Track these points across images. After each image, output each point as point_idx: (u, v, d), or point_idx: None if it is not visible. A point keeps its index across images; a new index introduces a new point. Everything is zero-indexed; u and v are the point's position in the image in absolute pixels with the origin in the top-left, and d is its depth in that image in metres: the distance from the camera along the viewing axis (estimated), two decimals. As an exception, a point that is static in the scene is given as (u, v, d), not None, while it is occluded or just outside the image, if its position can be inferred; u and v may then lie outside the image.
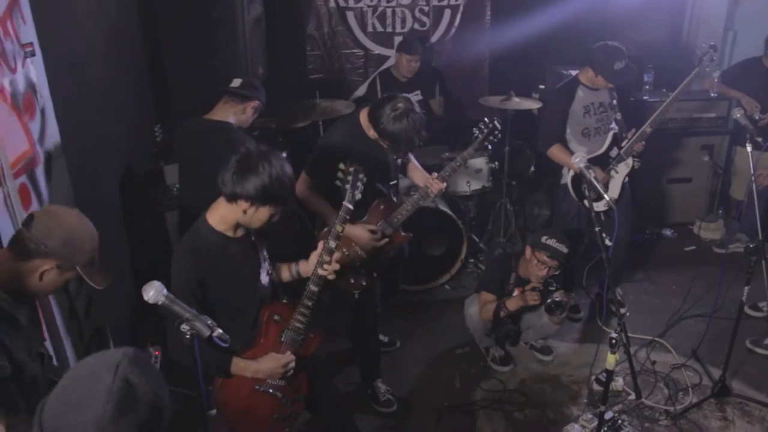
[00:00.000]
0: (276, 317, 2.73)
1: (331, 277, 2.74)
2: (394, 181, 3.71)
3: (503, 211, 5.52)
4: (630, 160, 4.42)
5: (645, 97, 5.74)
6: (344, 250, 3.42)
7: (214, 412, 3.62)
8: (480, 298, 4.13)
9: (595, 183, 3.00)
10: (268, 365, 2.68)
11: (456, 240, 5.06)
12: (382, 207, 3.54)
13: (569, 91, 4.44)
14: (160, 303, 2.00)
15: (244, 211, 2.47)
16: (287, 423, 2.88)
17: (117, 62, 4.15)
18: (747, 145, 3.74)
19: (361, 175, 2.78)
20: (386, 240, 3.51)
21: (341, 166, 2.83)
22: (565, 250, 3.84)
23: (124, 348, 1.47)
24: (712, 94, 5.69)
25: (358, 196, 2.78)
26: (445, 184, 3.60)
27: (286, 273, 2.93)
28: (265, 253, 2.80)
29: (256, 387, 2.72)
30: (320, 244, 2.77)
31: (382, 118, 3.27)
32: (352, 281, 3.52)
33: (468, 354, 4.39)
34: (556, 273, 3.93)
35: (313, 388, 2.94)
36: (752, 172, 3.78)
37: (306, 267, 2.86)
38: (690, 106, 5.75)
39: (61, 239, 2.09)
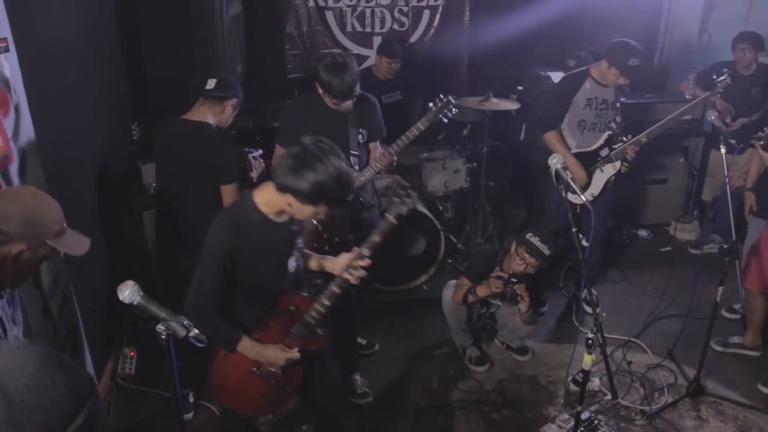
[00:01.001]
0: (292, 308, 2.75)
1: (354, 282, 2.73)
2: (356, 152, 3.74)
3: (481, 212, 5.54)
4: (618, 163, 4.48)
5: (622, 99, 5.76)
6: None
7: (190, 415, 3.61)
8: (458, 282, 4.18)
9: (572, 184, 3.02)
10: (271, 354, 2.71)
11: (434, 240, 5.07)
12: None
13: (577, 79, 4.51)
14: (135, 303, 1.98)
15: (290, 204, 2.49)
16: (273, 408, 2.93)
17: (93, 59, 4.10)
18: (720, 147, 3.79)
19: (413, 192, 2.73)
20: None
21: (402, 182, 2.81)
22: (546, 251, 3.87)
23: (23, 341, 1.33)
24: (687, 96, 5.75)
25: (404, 211, 2.67)
26: (394, 156, 3.75)
27: (314, 262, 2.96)
28: (300, 242, 2.81)
29: (253, 369, 2.76)
30: (354, 250, 2.77)
31: (319, 68, 3.49)
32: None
33: (446, 354, 4.40)
34: (532, 272, 3.95)
35: (314, 383, 2.97)
36: (726, 174, 3.83)
37: (332, 265, 2.88)
38: (666, 108, 5.78)
39: (21, 220, 2.05)
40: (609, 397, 3.85)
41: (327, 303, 2.73)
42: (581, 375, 3.08)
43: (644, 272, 5.44)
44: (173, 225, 3.59)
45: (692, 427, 3.76)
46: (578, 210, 4.30)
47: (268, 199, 2.57)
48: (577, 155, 4.49)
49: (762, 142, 3.92)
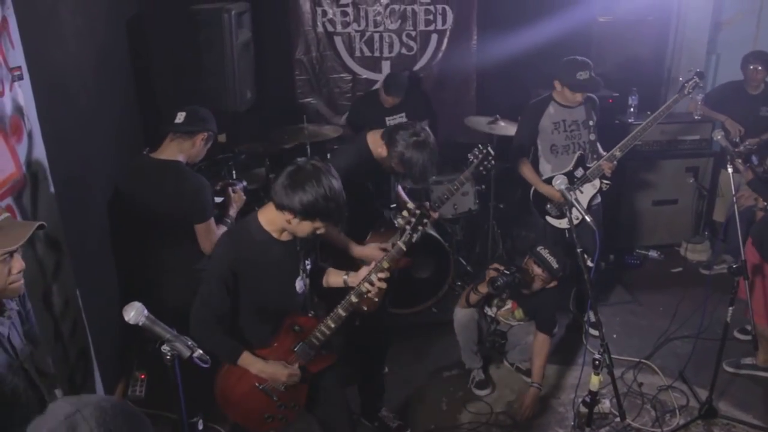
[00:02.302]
0: (296, 328, 2.78)
1: (366, 290, 2.75)
2: (394, 205, 3.74)
3: (491, 234, 5.55)
4: (597, 182, 4.45)
5: (630, 120, 5.80)
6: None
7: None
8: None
9: (576, 205, 3.03)
10: (273, 370, 2.74)
11: (443, 263, 5.07)
12: (382, 230, 3.59)
13: (539, 106, 4.51)
14: (140, 324, 2.01)
15: (288, 222, 2.55)
16: (276, 425, 2.95)
17: (105, 86, 4.17)
18: (728, 167, 3.78)
19: (425, 220, 2.75)
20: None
21: (409, 205, 2.81)
22: (554, 264, 3.89)
23: (110, 398, 1.45)
24: (696, 117, 5.76)
25: (416, 238, 2.74)
26: (437, 213, 3.64)
27: (337, 279, 2.97)
28: (307, 263, 2.82)
29: (257, 384, 2.79)
30: (373, 263, 2.82)
31: (401, 141, 3.28)
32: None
33: (455, 377, 4.39)
34: (540, 285, 3.98)
35: (320, 402, 3.02)
36: (733, 193, 3.82)
37: (354, 278, 2.89)
38: (674, 128, 5.82)
39: None
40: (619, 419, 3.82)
41: (332, 325, 2.76)
42: (590, 397, 3.08)
43: (655, 293, 5.40)
44: (147, 271, 3.53)
45: (704, 449, 3.73)
46: (566, 234, 4.31)
47: (269, 217, 2.64)
48: (551, 180, 4.44)
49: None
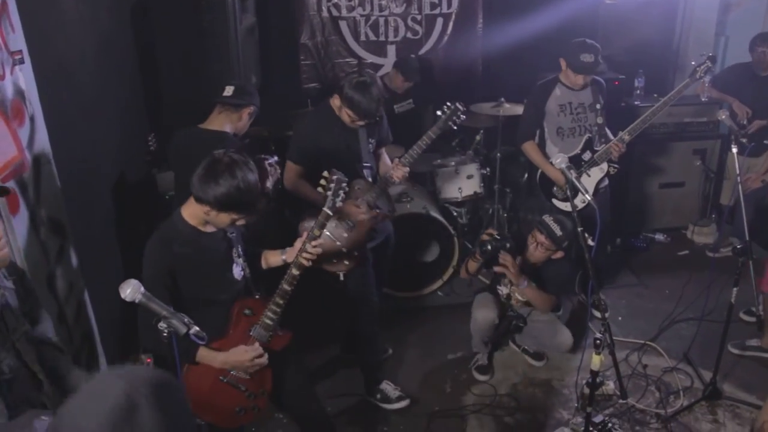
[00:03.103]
0: (246, 311, 2.80)
1: (305, 262, 2.82)
2: (368, 163, 3.80)
3: (496, 218, 5.54)
4: (605, 165, 4.43)
5: (636, 102, 5.77)
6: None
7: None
8: None
9: (577, 184, 3.02)
10: (236, 357, 2.74)
11: (448, 247, 5.08)
12: (357, 188, 3.66)
13: (546, 88, 4.50)
14: (137, 301, 2.03)
15: (206, 213, 2.58)
16: (249, 416, 2.94)
17: (108, 71, 4.19)
18: (732, 146, 3.76)
19: (343, 184, 2.89)
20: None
21: (324, 174, 2.94)
22: (558, 232, 3.86)
23: (155, 371, 1.33)
24: (703, 99, 5.72)
25: (339, 203, 2.89)
26: (407, 168, 3.72)
27: (275, 258, 3.02)
28: (240, 249, 2.85)
29: (220, 378, 2.79)
30: (304, 234, 2.89)
31: (345, 84, 3.49)
32: (335, 261, 3.58)
33: (459, 359, 4.40)
34: (543, 254, 3.98)
35: (286, 387, 3.00)
36: (738, 173, 3.80)
37: (291, 254, 2.94)
38: (681, 110, 5.77)
39: None
40: (622, 400, 3.83)
41: (281, 302, 2.80)
42: (591, 376, 3.08)
43: (661, 276, 5.39)
44: None
45: (708, 430, 3.72)
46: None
47: (191, 211, 2.66)
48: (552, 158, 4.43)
49: None
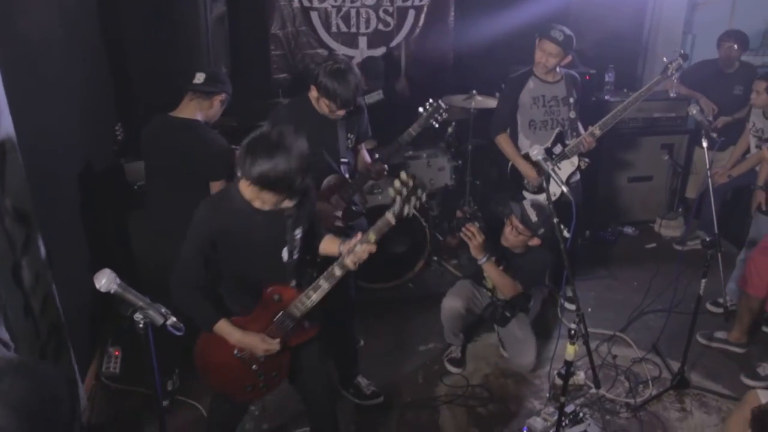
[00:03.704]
0: (276, 297, 2.74)
1: (352, 266, 2.68)
2: (345, 159, 3.69)
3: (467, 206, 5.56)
4: (575, 159, 4.46)
5: (606, 97, 5.83)
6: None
7: (167, 402, 3.60)
8: None
9: (553, 175, 3.03)
10: (249, 341, 2.72)
11: (419, 238, 5.07)
12: (332, 183, 3.60)
13: (520, 80, 4.50)
14: (112, 291, 1.98)
15: (250, 189, 2.48)
16: (256, 394, 2.95)
17: (75, 59, 4.09)
18: (703, 141, 3.81)
19: (419, 191, 2.59)
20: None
21: (402, 175, 2.62)
22: (533, 217, 3.75)
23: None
24: (672, 95, 5.80)
25: (406, 211, 2.59)
26: (385, 165, 3.68)
27: (332, 247, 2.88)
28: (296, 233, 2.73)
29: (235, 352, 2.78)
30: (358, 235, 2.72)
31: (320, 74, 3.33)
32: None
33: (431, 350, 4.40)
34: (518, 239, 3.87)
35: (303, 375, 3.00)
36: (708, 167, 3.85)
37: (346, 247, 2.75)
38: (651, 106, 5.84)
39: None
40: (594, 390, 3.86)
41: (313, 296, 2.71)
42: (565, 367, 3.10)
43: (630, 268, 5.46)
44: (161, 221, 3.57)
45: (676, 418, 3.78)
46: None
47: (243, 186, 2.57)
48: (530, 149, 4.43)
49: None
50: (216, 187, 3.38)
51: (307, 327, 2.86)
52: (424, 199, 2.64)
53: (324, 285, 2.70)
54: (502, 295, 4.06)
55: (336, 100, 3.34)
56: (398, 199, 2.55)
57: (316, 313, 2.81)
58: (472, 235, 3.73)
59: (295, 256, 2.79)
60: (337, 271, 2.68)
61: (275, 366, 2.88)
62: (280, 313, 2.75)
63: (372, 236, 2.64)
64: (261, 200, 2.53)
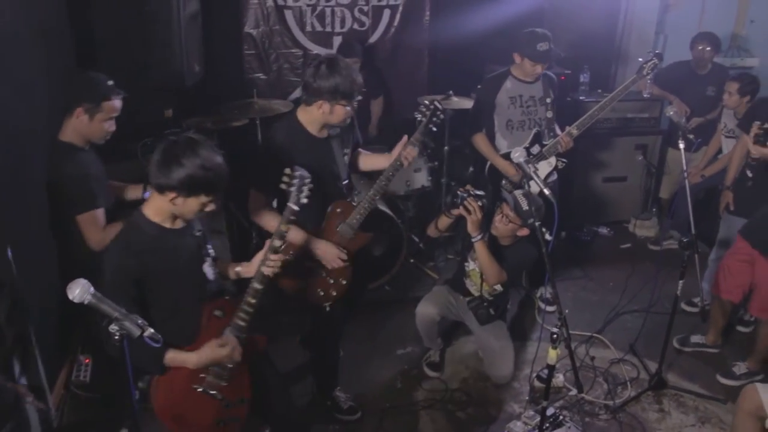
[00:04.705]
0: (217, 312, 2.66)
1: (268, 272, 2.69)
2: (346, 181, 3.55)
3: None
4: (553, 159, 4.46)
5: (581, 98, 5.86)
6: (309, 262, 3.37)
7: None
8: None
9: (535, 177, 3.01)
10: (209, 354, 2.60)
11: (396, 240, 5.02)
12: (339, 210, 3.42)
13: (497, 80, 4.50)
14: (86, 302, 1.90)
15: (173, 202, 2.42)
16: (230, 429, 2.79)
17: (42, 56, 3.96)
18: (679, 142, 3.82)
19: (306, 180, 2.73)
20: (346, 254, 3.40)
21: (286, 171, 2.74)
22: (525, 206, 3.52)
23: None
24: (645, 95, 5.84)
25: (304, 200, 2.72)
26: (417, 149, 3.43)
27: (230, 270, 2.90)
28: (209, 247, 2.72)
29: (194, 386, 2.64)
30: (266, 243, 2.72)
31: (315, 80, 3.08)
32: (322, 293, 3.43)
33: (409, 354, 4.36)
34: (518, 233, 3.81)
35: (264, 394, 2.90)
36: (684, 168, 3.87)
37: (248, 268, 2.83)
38: (624, 106, 5.87)
39: None
40: (573, 392, 3.87)
41: (252, 301, 2.67)
42: (545, 371, 3.08)
43: (605, 269, 5.49)
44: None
45: (655, 419, 3.79)
46: None
47: (155, 206, 2.51)
48: (508, 156, 4.40)
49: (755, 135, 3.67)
50: (83, 223, 3.10)
51: (257, 337, 2.82)
52: (311, 186, 2.73)
53: (258, 287, 2.68)
54: (485, 290, 3.98)
55: (351, 91, 3.10)
56: (292, 190, 2.70)
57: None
58: (473, 210, 3.60)
59: (218, 272, 2.76)
60: (257, 285, 2.68)
61: (238, 389, 2.77)
62: (226, 328, 2.68)
63: (284, 228, 2.70)
64: (185, 211, 2.48)
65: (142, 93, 3.48)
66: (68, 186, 3.04)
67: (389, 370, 4.22)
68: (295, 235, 3.18)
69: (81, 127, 3.12)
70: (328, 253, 3.32)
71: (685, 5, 6.43)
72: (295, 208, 2.71)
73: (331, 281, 3.43)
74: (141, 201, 2.75)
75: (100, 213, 3.10)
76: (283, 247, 2.74)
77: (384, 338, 4.53)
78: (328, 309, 3.49)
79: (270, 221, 3.23)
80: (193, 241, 2.65)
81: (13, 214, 3.25)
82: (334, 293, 3.45)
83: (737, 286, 4.04)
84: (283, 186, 2.74)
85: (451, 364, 4.28)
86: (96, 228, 3.07)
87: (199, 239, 2.67)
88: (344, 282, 3.44)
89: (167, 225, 2.53)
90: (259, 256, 2.74)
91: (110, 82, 3.20)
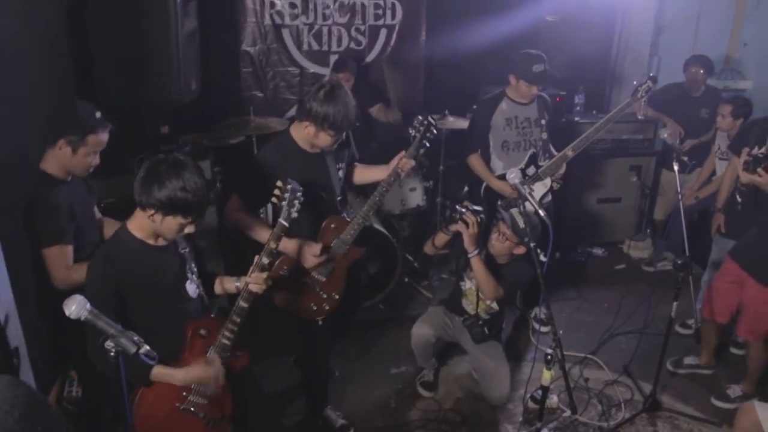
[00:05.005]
0: (202, 331, 2.66)
1: (256, 290, 2.70)
2: (340, 196, 3.55)
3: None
4: (548, 180, 4.48)
5: (576, 119, 5.89)
6: (302, 277, 3.37)
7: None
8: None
9: (530, 199, 3.02)
10: (196, 373, 2.60)
11: (390, 259, 5.02)
12: (333, 225, 3.42)
13: (492, 102, 4.52)
14: (82, 318, 1.89)
15: (152, 219, 2.44)
16: None
17: (42, 75, 3.98)
18: (674, 164, 3.84)
19: (298, 193, 2.75)
20: (325, 257, 3.36)
21: (278, 184, 2.77)
22: (520, 224, 3.56)
23: None
24: (640, 117, 5.87)
25: (294, 214, 2.74)
26: (413, 162, 3.42)
27: (230, 284, 2.88)
28: (193, 266, 2.72)
29: (177, 405, 2.63)
30: (255, 258, 2.73)
31: (312, 102, 3.08)
32: (315, 308, 3.44)
33: (403, 373, 4.35)
34: (514, 251, 3.81)
35: (246, 412, 2.87)
36: (679, 190, 3.89)
37: (237, 284, 2.83)
38: (619, 128, 5.90)
39: None
40: (568, 413, 3.85)
41: (237, 320, 2.68)
42: (539, 392, 3.07)
43: (599, 289, 5.49)
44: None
45: (649, 442, 3.78)
46: None
47: (138, 222, 2.53)
48: (504, 177, 4.39)
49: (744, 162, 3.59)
50: (47, 257, 2.94)
51: (240, 354, 2.81)
52: (302, 199, 2.75)
53: (245, 305, 2.69)
54: (481, 309, 3.98)
55: (341, 125, 3.12)
56: (283, 204, 2.72)
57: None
58: (471, 223, 3.60)
59: (201, 291, 2.76)
60: (243, 304, 2.69)
61: (220, 407, 2.76)
62: (211, 347, 2.68)
63: (273, 245, 2.71)
64: (163, 229, 2.48)
65: (139, 109, 3.48)
66: (38, 216, 2.94)
67: (383, 389, 4.20)
68: (287, 244, 3.17)
69: (63, 159, 2.99)
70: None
71: (680, 28, 6.49)
72: (286, 224, 2.73)
73: (324, 296, 3.44)
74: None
75: (66, 250, 2.94)
76: (271, 264, 2.75)
77: (378, 357, 4.51)
78: (320, 323, 3.49)
79: (245, 223, 3.30)
80: (176, 259, 2.66)
81: (8, 226, 3.24)
82: (327, 307, 3.46)
83: (725, 307, 4.04)
84: (274, 200, 2.77)
85: (445, 384, 4.26)
86: (60, 264, 2.92)
87: (182, 257, 2.67)
88: (337, 296, 3.46)
89: (150, 241, 2.56)
90: (252, 269, 2.76)
91: (98, 114, 3.08)
